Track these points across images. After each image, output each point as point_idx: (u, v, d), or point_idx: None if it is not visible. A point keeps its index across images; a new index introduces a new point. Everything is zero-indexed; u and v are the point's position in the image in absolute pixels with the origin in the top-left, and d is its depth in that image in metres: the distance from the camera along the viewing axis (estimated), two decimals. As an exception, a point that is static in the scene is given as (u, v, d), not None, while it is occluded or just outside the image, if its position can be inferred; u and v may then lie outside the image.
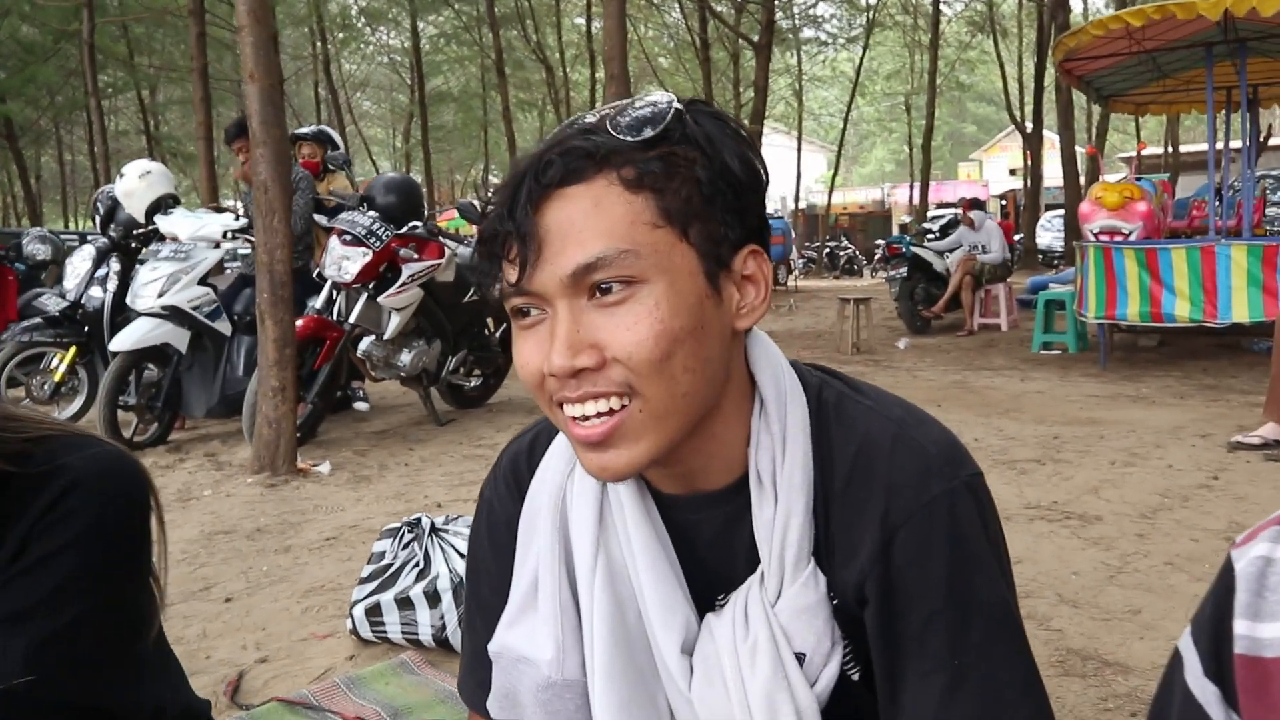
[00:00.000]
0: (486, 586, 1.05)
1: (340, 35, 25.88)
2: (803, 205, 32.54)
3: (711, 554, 0.94)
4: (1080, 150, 18.35)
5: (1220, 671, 0.59)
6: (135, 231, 6.09)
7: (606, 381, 0.80)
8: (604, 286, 0.79)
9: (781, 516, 0.88)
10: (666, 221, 0.81)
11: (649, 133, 0.81)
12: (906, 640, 0.85)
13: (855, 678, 0.92)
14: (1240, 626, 0.58)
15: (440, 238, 5.76)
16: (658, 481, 0.94)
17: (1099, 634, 2.48)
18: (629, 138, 0.81)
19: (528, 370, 0.84)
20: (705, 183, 0.82)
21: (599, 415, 0.81)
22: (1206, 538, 3.25)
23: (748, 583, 0.91)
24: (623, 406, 0.81)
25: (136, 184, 5.92)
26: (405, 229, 5.59)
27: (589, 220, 0.79)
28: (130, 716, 1.11)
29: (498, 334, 6.59)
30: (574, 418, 0.82)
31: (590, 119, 0.85)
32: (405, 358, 5.70)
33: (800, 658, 0.88)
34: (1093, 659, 2.33)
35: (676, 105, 0.83)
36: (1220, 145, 9.65)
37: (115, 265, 6.10)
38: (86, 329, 6.05)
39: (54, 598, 1.00)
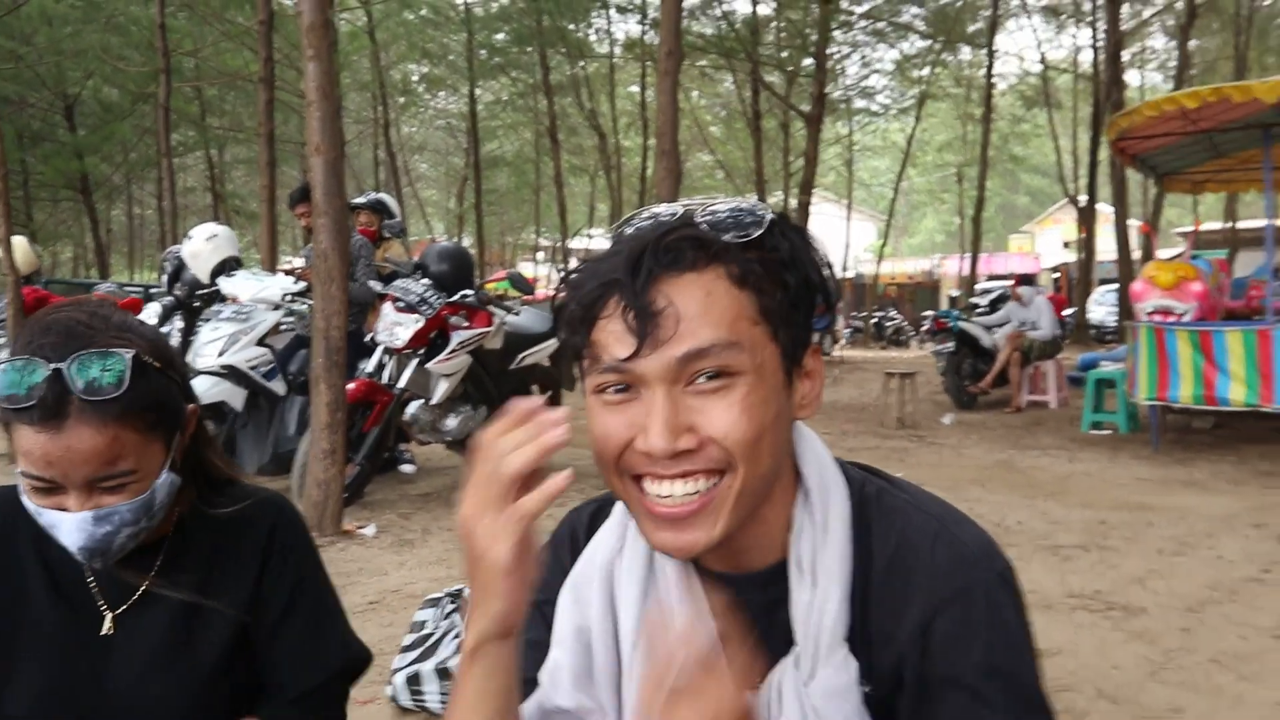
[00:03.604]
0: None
1: (400, 100, 26.57)
2: (851, 274, 32.52)
3: (753, 635, 0.98)
4: (1134, 223, 18.21)
5: None
6: (199, 291, 6.30)
7: (705, 460, 0.86)
8: (703, 378, 0.85)
9: (819, 601, 0.92)
10: (764, 320, 0.88)
11: (753, 234, 0.88)
12: None
13: None
14: None
15: (489, 306, 5.87)
16: (703, 558, 0.99)
17: (1139, 733, 2.45)
18: (733, 236, 0.88)
19: (611, 443, 0.88)
20: (793, 289, 0.89)
21: (687, 495, 0.86)
22: (1255, 635, 3.20)
23: (783, 663, 0.95)
24: (714, 485, 0.87)
25: (203, 246, 6.14)
26: (456, 297, 5.71)
27: (701, 309, 0.85)
28: None
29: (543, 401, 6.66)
30: (655, 495, 0.88)
31: (677, 209, 0.92)
32: (452, 423, 5.79)
33: None
34: (1131, 760, 2.31)
35: (771, 216, 0.90)
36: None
37: (179, 323, 6.31)
38: (148, 384, 6.22)
39: (325, 592, 1.42)
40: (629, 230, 0.93)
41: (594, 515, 1.12)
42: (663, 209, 0.93)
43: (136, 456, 1.18)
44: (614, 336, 0.86)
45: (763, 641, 0.97)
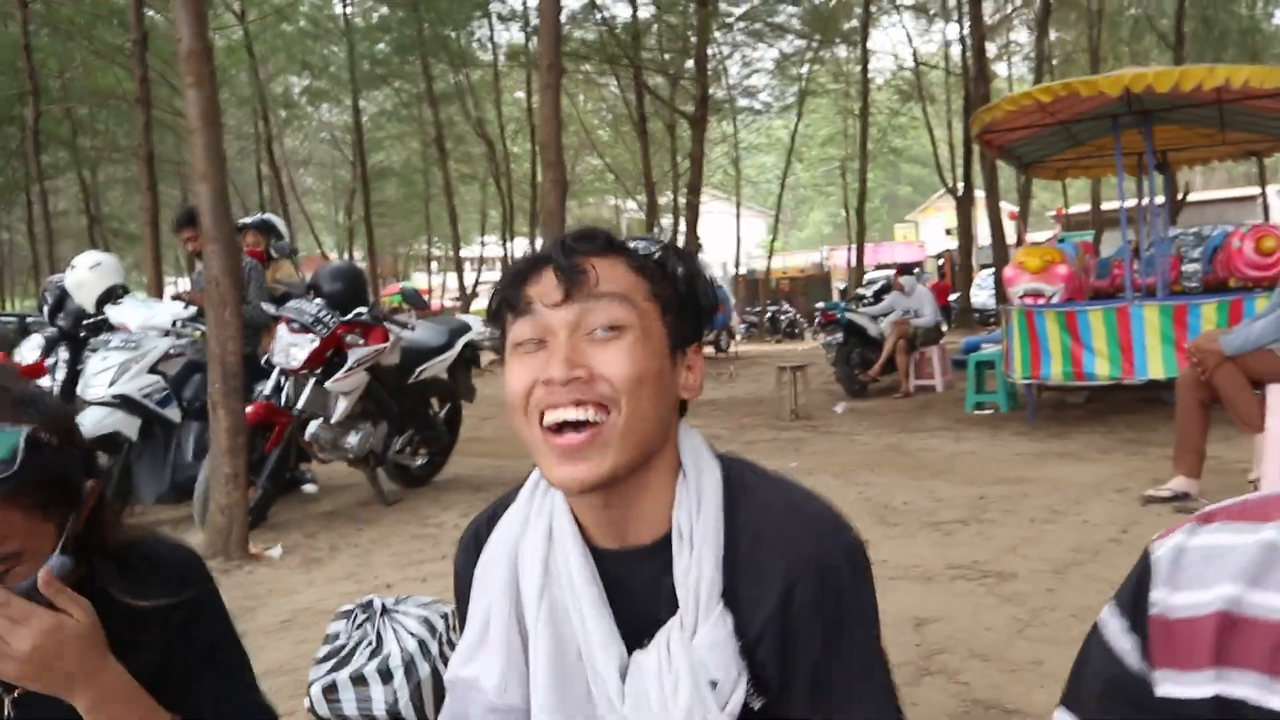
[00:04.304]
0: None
1: (283, 114, 26.08)
2: (743, 270, 33.07)
3: (639, 602, 1.15)
4: (1007, 208, 19.00)
5: (1138, 629, 0.78)
6: (85, 321, 6.19)
7: (595, 392, 1.04)
8: (600, 330, 1.06)
9: (696, 564, 1.10)
10: (654, 300, 1.10)
11: (650, 251, 1.14)
12: (799, 678, 1.07)
13: (756, 707, 1.11)
14: (1156, 595, 0.77)
15: (385, 322, 5.92)
16: (596, 536, 1.16)
17: (1004, 685, 2.69)
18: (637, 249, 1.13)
19: (519, 384, 1.08)
20: (681, 295, 1.14)
21: (579, 424, 1.04)
22: (1110, 590, 3.46)
23: (669, 623, 1.11)
24: (600, 421, 1.04)
25: (87, 275, 6.04)
26: (351, 315, 5.74)
27: (604, 276, 1.08)
28: None
29: (442, 414, 6.73)
30: (554, 427, 1.05)
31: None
32: (352, 440, 5.81)
33: (712, 684, 1.07)
34: (995, 708, 2.54)
35: (670, 245, 1.17)
36: (1136, 204, 10.04)
37: (64, 354, 6.19)
38: (34, 419, 6.09)
39: (236, 649, 1.37)
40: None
41: (492, 515, 1.29)
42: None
43: (24, 538, 1.11)
44: (547, 287, 1.08)
45: (651, 610, 1.14)
